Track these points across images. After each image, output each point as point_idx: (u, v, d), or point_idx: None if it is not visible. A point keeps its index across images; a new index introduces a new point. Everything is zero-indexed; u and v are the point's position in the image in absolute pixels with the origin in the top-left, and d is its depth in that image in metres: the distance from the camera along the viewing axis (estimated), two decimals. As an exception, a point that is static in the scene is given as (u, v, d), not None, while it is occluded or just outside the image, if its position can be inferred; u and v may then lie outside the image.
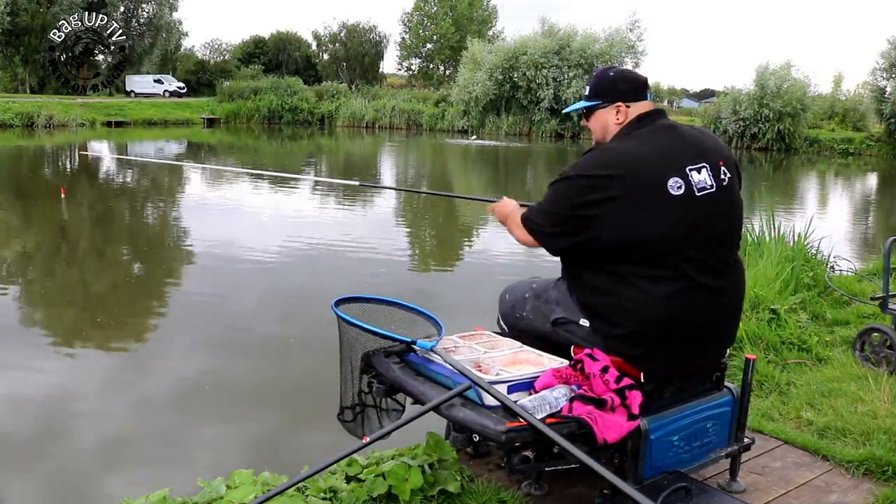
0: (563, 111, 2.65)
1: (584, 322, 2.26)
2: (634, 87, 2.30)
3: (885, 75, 34.75)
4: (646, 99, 2.30)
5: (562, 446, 1.90)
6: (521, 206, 2.47)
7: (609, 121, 2.30)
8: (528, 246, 2.40)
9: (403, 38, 58.05)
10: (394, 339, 2.36)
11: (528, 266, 8.70)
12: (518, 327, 2.54)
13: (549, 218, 2.24)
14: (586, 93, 2.39)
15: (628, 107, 2.27)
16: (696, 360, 2.29)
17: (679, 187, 2.13)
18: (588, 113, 2.38)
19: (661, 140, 2.21)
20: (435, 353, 2.25)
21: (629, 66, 40.42)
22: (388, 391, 2.39)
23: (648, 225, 2.09)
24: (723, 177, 2.23)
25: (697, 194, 2.15)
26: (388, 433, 2.10)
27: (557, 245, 2.28)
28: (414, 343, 2.29)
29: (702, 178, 2.17)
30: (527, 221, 2.32)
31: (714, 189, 2.19)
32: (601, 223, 2.11)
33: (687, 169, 2.16)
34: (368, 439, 2.14)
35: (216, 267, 8.61)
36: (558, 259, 2.40)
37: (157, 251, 9.96)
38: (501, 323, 2.66)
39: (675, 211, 2.12)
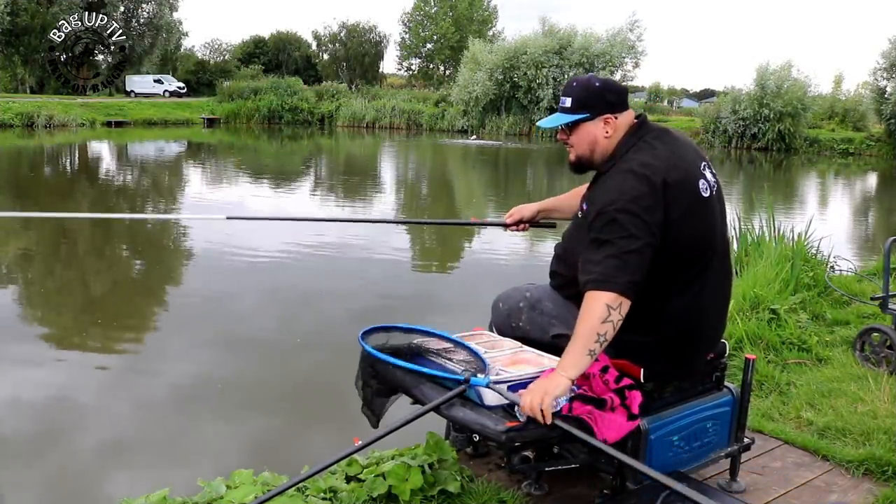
0: (540, 125, 2.44)
1: None
2: (622, 98, 2.20)
3: (885, 75, 34.69)
4: (628, 107, 2.21)
5: (579, 438, 1.90)
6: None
7: (598, 135, 2.17)
8: (623, 315, 1.96)
9: (403, 38, 58.05)
10: (448, 380, 2.13)
11: (528, 265, 8.71)
12: (514, 336, 2.48)
13: (629, 259, 1.96)
14: (566, 104, 2.19)
15: (616, 118, 2.16)
16: (702, 355, 2.32)
17: (706, 189, 2.14)
18: (571, 127, 2.20)
19: (674, 145, 2.16)
20: (492, 388, 2.06)
21: (629, 67, 40.65)
22: (388, 391, 2.39)
23: (689, 231, 2.08)
24: (715, 173, 2.26)
25: (714, 194, 2.18)
26: (388, 433, 2.10)
27: (639, 280, 1.99)
28: (468, 382, 2.06)
29: (709, 177, 2.19)
30: (612, 285, 1.94)
31: (717, 187, 2.22)
32: (662, 239, 2.02)
33: (702, 170, 2.17)
34: (366, 440, 2.13)
35: (216, 267, 8.60)
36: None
37: (158, 251, 9.95)
38: (494, 331, 2.59)
39: (704, 214, 2.13)
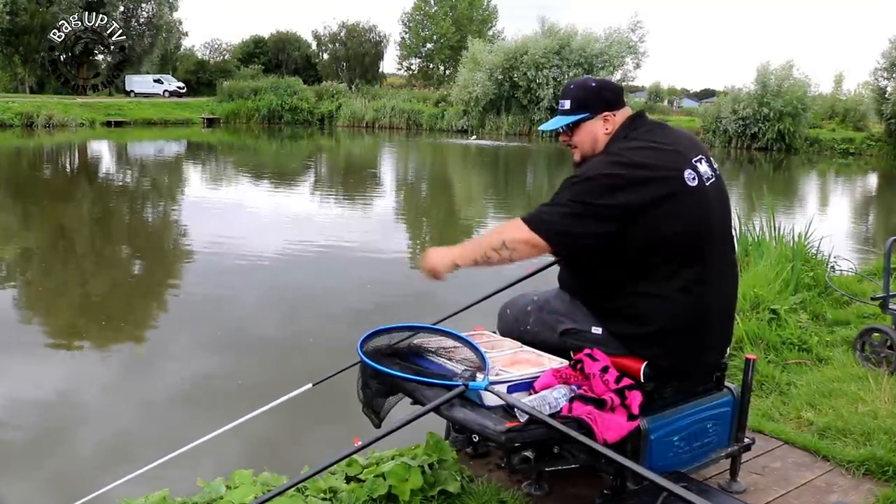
0: (543, 129, 2.58)
1: (597, 329, 2.25)
2: (618, 96, 2.29)
3: (885, 75, 34.65)
4: (625, 104, 2.29)
5: (580, 440, 1.92)
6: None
7: (598, 132, 2.25)
8: (516, 258, 2.13)
9: (403, 38, 58.01)
10: (445, 387, 2.09)
11: (528, 264, 8.70)
12: (523, 340, 2.47)
13: (567, 217, 2.08)
14: (565, 106, 2.28)
15: (614, 115, 2.25)
16: (710, 353, 2.31)
17: (693, 178, 2.15)
18: (572, 127, 2.29)
19: (663, 136, 2.21)
20: (491, 391, 2.06)
21: (630, 66, 40.63)
22: (388, 391, 2.38)
23: (675, 219, 2.10)
24: (716, 167, 2.27)
25: (706, 185, 2.19)
26: (388, 434, 2.09)
27: (574, 246, 2.14)
28: (467, 387, 2.05)
29: (704, 169, 2.20)
30: (534, 222, 2.11)
31: (715, 179, 2.23)
32: (630, 221, 2.06)
33: (693, 161, 2.19)
34: (366, 440, 2.12)
35: (217, 267, 8.60)
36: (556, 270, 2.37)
37: (158, 251, 9.96)
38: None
39: (695, 203, 2.14)
